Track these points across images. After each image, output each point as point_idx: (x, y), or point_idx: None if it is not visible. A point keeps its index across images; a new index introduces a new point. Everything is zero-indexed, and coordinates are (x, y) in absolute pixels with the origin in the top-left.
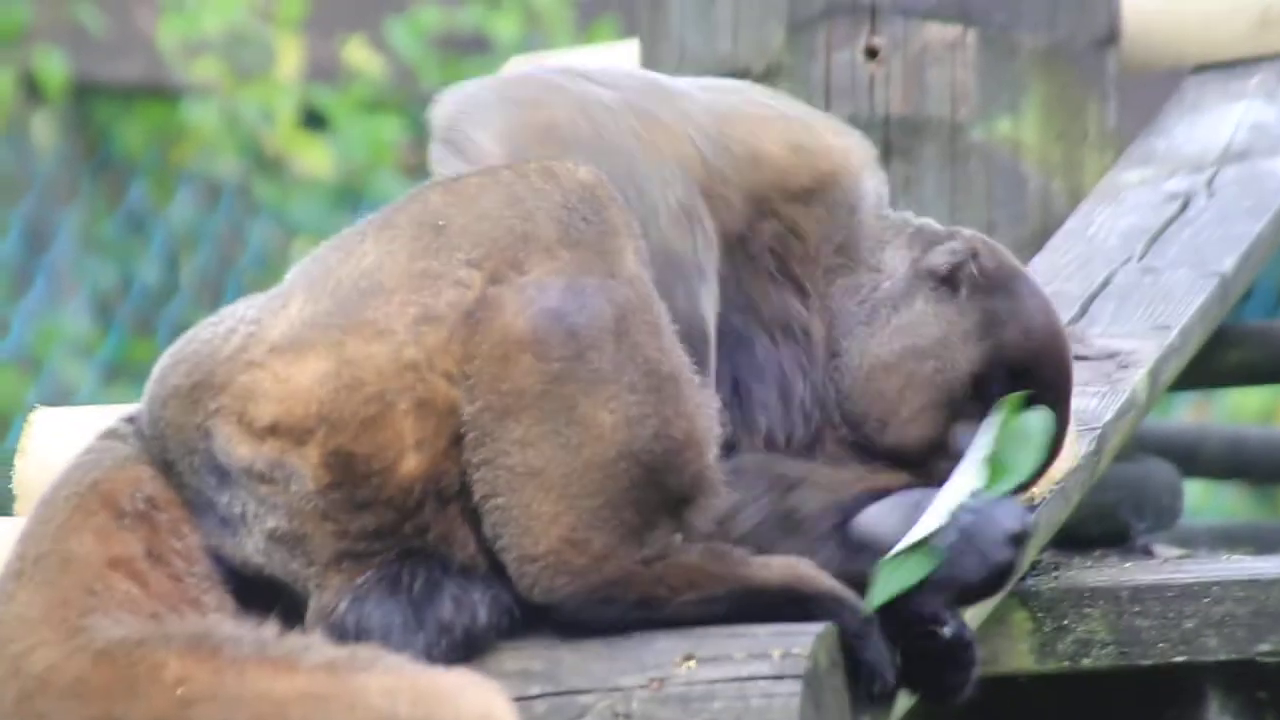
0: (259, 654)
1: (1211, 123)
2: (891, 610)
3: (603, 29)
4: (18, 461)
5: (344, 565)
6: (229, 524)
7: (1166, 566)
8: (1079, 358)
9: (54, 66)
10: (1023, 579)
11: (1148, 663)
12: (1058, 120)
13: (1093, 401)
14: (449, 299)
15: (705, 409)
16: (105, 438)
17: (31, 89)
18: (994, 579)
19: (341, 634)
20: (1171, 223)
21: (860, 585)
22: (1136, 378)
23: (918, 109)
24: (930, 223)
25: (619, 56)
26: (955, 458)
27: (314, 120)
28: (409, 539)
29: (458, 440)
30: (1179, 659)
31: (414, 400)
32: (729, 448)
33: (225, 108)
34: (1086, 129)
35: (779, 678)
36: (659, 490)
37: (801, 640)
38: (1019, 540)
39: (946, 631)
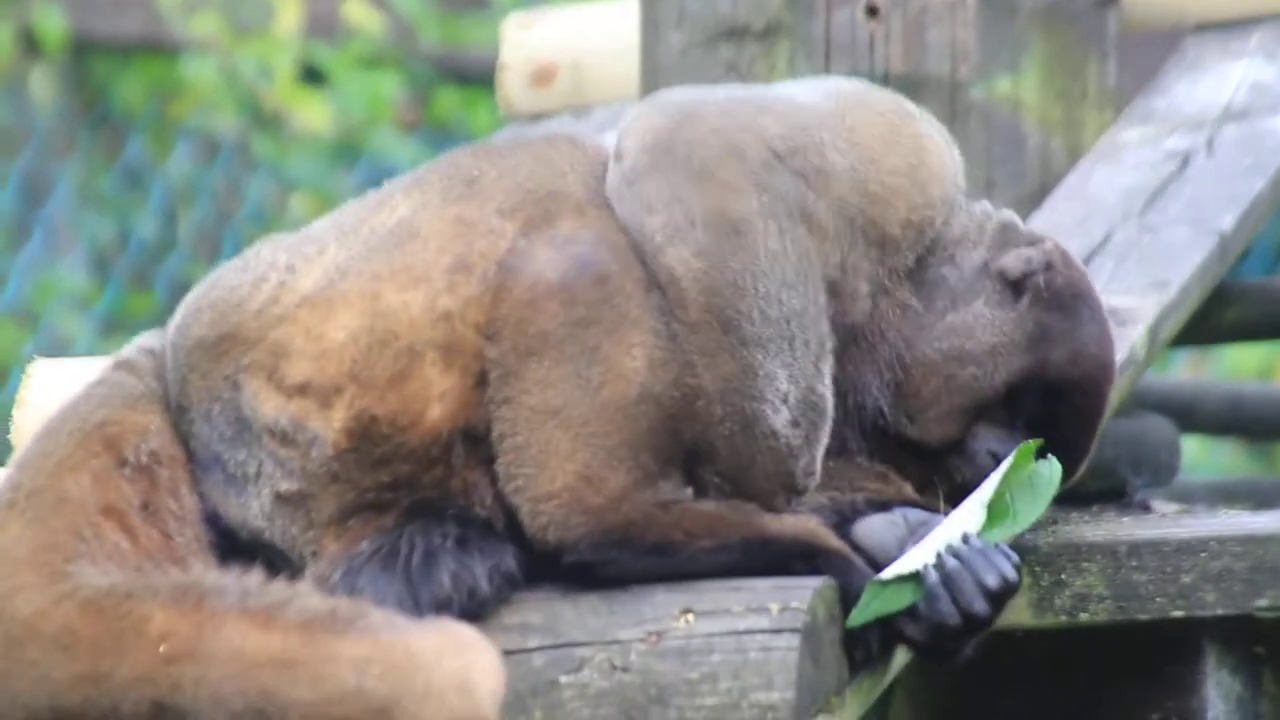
0: (240, 605)
1: (1212, 81)
2: None
3: None
4: (15, 413)
5: (349, 524)
6: (235, 482)
7: (1164, 522)
8: None
9: (53, 21)
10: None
11: (1145, 617)
12: (1058, 79)
13: None
14: (481, 248)
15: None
16: (119, 368)
17: (30, 44)
18: (967, 628)
19: None
20: (1171, 181)
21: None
22: (1135, 334)
23: (918, 67)
24: (1014, 220)
25: (618, 15)
26: (969, 459)
27: (312, 76)
28: (425, 490)
29: (481, 382)
30: (1176, 614)
31: (442, 351)
32: None
33: (224, 63)
34: (1087, 88)
35: (777, 631)
36: (675, 438)
37: (800, 594)
38: (999, 594)
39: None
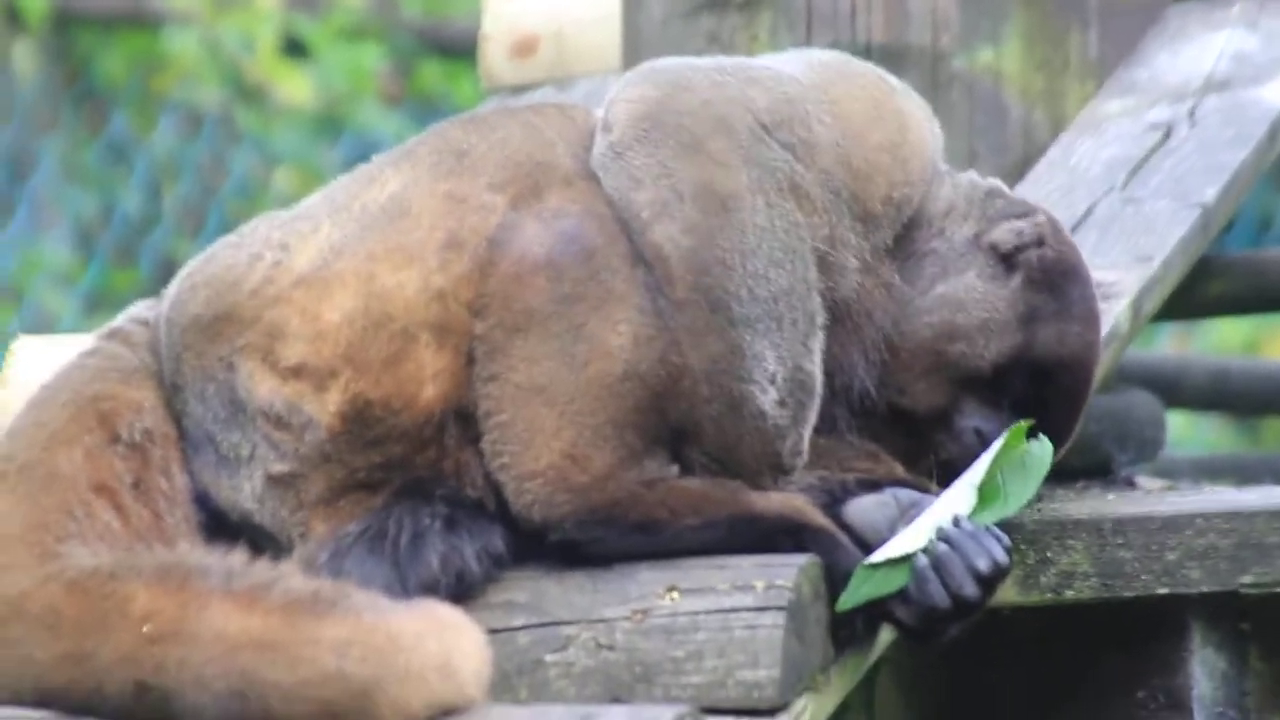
0: (224, 586)
1: (1193, 52)
2: None
3: None
4: (0, 391)
5: (338, 505)
6: (228, 464)
7: (1149, 498)
8: None
9: None
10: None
11: (1130, 594)
12: (1039, 50)
13: None
14: (472, 224)
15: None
16: (112, 338)
17: (13, 18)
18: (957, 611)
19: None
20: (1153, 153)
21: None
22: (1118, 309)
23: (899, 37)
24: (1001, 188)
25: None
26: (954, 436)
27: (295, 49)
28: (418, 470)
29: (472, 361)
30: (1162, 591)
31: (436, 332)
32: None
33: (206, 36)
34: (1068, 58)
35: (762, 609)
36: (661, 417)
37: (785, 572)
38: (989, 578)
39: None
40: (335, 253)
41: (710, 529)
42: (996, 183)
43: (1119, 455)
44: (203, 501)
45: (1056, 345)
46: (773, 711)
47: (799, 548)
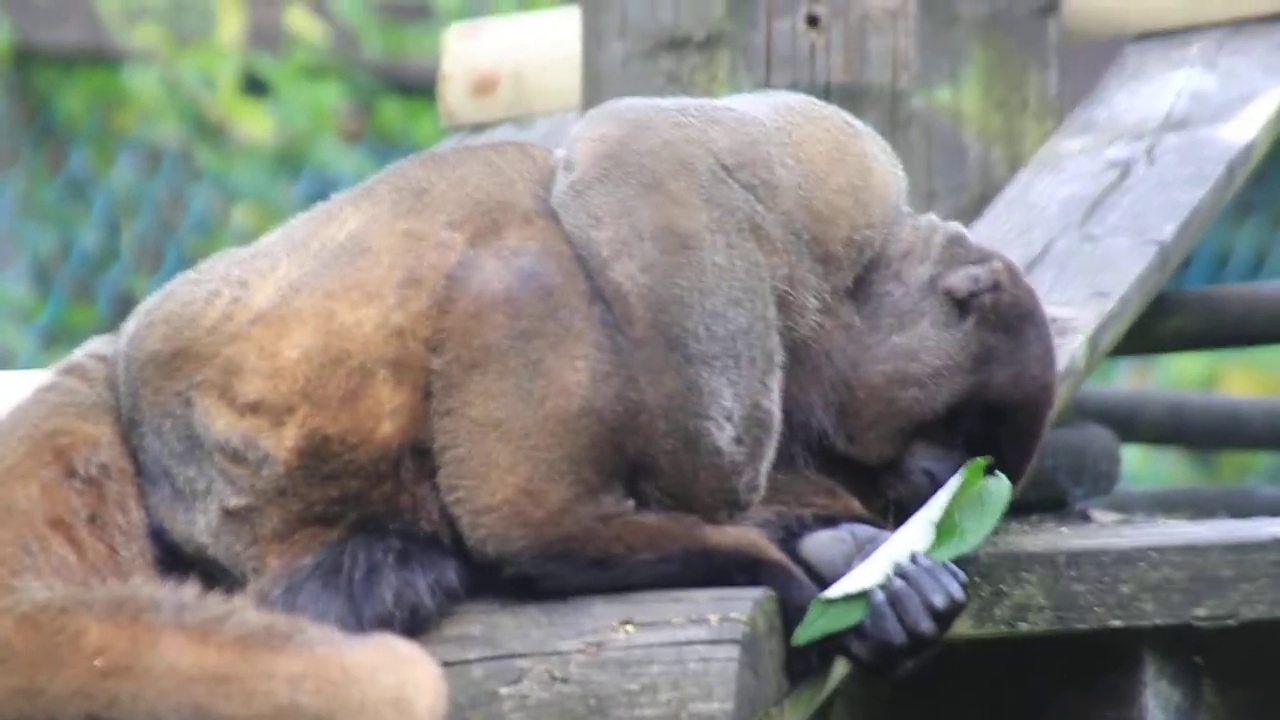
0: (177, 620)
1: (1152, 91)
2: None
3: None
4: None
5: (293, 539)
6: (184, 498)
7: (1104, 532)
8: None
9: None
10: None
11: (1084, 627)
12: (998, 89)
13: None
14: (431, 261)
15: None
16: (70, 373)
17: None
18: (913, 647)
19: None
20: (1111, 191)
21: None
22: (1075, 344)
23: (859, 77)
24: (963, 234)
25: (560, 25)
26: (903, 477)
27: (255, 86)
28: (374, 505)
29: (429, 397)
30: (1116, 624)
31: (393, 368)
32: None
33: (166, 74)
34: (1027, 97)
35: (716, 642)
36: (618, 452)
37: (740, 605)
38: (945, 614)
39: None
40: (294, 290)
41: (665, 563)
42: (958, 227)
43: (1074, 489)
44: (159, 536)
45: (1011, 387)
46: None
47: (754, 582)
